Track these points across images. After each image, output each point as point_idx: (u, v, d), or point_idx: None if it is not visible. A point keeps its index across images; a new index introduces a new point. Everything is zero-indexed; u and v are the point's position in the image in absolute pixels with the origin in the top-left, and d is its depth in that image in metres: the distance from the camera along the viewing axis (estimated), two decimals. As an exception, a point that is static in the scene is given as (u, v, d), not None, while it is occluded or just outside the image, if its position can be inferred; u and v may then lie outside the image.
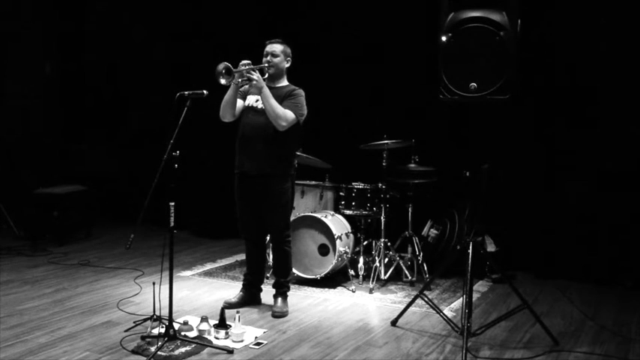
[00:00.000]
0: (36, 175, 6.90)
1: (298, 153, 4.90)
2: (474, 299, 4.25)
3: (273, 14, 6.44)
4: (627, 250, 5.11)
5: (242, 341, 3.68)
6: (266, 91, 4.05)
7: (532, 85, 5.18)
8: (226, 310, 3.83)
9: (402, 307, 4.21)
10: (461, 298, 4.43)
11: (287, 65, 4.30)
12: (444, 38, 3.71)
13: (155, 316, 3.75)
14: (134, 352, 3.50)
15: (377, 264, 5.06)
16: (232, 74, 3.96)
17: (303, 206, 5.36)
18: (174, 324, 3.62)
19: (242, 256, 5.06)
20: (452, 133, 5.55)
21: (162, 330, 3.59)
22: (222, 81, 3.92)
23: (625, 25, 5.05)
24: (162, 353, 3.45)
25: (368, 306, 4.55)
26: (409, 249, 5.28)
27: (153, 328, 3.72)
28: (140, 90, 7.32)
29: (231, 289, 4.80)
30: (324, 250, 4.97)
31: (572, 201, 5.30)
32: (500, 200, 5.39)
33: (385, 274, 5.11)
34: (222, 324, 3.75)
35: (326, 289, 4.91)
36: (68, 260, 5.62)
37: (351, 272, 5.19)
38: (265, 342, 3.72)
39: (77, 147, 7.65)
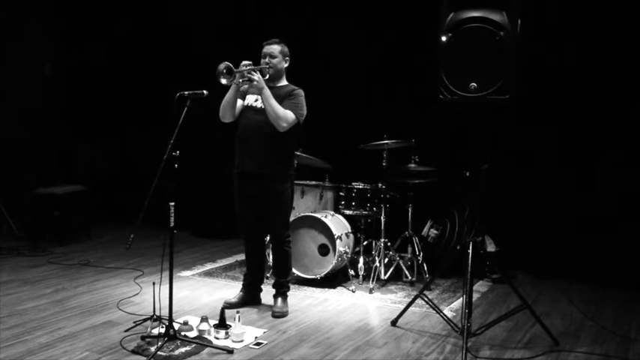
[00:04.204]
0: (36, 175, 6.90)
1: (298, 153, 4.90)
2: (474, 299, 4.25)
3: (273, 13, 6.46)
4: (627, 250, 5.11)
5: (242, 341, 3.68)
6: (267, 92, 4.05)
7: (532, 84, 5.19)
8: (226, 310, 3.83)
9: (402, 307, 4.21)
10: (461, 298, 4.43)
11: (285, 65, 4.30)
12: (443, 38, 3.70)
13: (155, 316, 3.75)
14: (134, 352, 3.50)
15: (377, 264, 5.06)
16: (233, 74, 3.96)
17: (303, 206, 5.36)
18: (174, 324, 3.62)
19: (242, 256, 5.06)
20: (452, 133, 5.55)
21: (163, 330, 3.59)
22: (223, 81, 3.93)
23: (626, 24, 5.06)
24: (162, 353, 3.45)
25: (368, 306, 4.55)
26: (409, 249, 5.28)
27: (153, 328, 3.72)
28: (140, 90, 7.32)
29: (231, 289, 4.80)
30: (324, 250, 4.97)
31: (572, 201, 5.30)
32: (500, 200, 5.40)
33: (385, 274, 5.11)
34: (222, 324, 3.75)
35: (326, 289, 4.91)
36: (68, 260, 5.63)
37: (351, 272, 5.19)
38: (265, 342, 3.72)
39: (77, 147, 7.65)
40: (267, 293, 4.52)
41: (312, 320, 4.18)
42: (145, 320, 3.89)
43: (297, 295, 4.71)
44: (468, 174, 4.09)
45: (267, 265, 4.90)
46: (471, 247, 3.76)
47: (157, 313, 3.75)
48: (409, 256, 5.27)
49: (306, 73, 4.77)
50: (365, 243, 5.25)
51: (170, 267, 3.64)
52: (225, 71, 3.91)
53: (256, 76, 4.03)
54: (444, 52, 3.71)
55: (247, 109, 4.26)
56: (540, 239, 5.41)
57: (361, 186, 5.17)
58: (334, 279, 5.13)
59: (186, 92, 3.67)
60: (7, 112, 6.95)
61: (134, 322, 3.93)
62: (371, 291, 4.85)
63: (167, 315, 3.62)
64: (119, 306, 4.33)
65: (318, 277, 4.97)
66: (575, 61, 5.23)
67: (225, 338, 3.70)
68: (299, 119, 4.17)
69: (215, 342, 3.66)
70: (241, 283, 4.52)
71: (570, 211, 5.31)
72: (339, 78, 6.17)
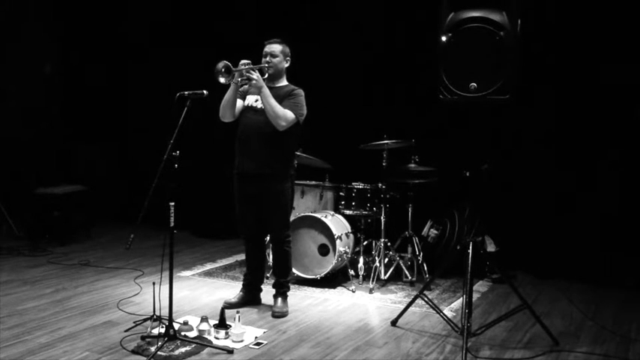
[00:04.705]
0: (36, 175, 6.90)
1: (298, 153, 4.90)
2: (474, 299, 4.25)
3: (273, 12, 6.46)
4: (627, 250, 5.11)
5: (242, 341, 3.68)
6: (265, 90, 4.05)
7: (532, 84, 5.19)
8: (226, 310, 3.83)
9: (402, 307, 4.21)
10: (461, 298, 4.43)
11: (286, 65, 4.30)
12: (443, 38, 3.70)
13: (155, 316, 3.75)
14: (134, 352, 3.50)
15: (377, 264, 5.06)
16: (232, 73, 3.96)
17: (303, 206, 5.36)
18: (174, 324, 3.62)
19: (242, 256, 5.06)
20: (452, 133, 5.55)
21: (163, 330, 3.59)
22: (222, 79, 3.92)
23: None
24: (162, 353, 3.45)
25: (368, 306, 4.55)
26: (409, 249, 5.28)
27: (153, 328, 3.72)
28: (140, 90, 7.32)
29: (231, 289, 4.80)
30: (324, 250, 4.97)
31: (572, 201, 5.30)
32: (500, 200, 5.40)
33: (385, 274, 5.11)
34: (222, 324, 3.75)
35: (326, 289, 4.91)
36: (68, 260, 5.62)
37: (351, 272, 5.19)
38: (265, 342, 3.72)
39: (77, 147, 7.65)
40: (267, 293, 4.52)
41: (312, 320, 4.18)
42: (145, 320, 3.89)
43: (297, 295, 4.71)
44: (467, 174, 4.09)
45: (267, 265, 4.90)
46: (470, 247, 3.76)
47: (157, 313, 3.75)
48: (409, 256, 5.27)
49: (306, 73, 4.77)
50: (365, 243, 5.25)
51: (170, 267, 3.64)
52: (223, 70, 3.91)
53: (255, 75, 4.03)
54: (444, 52, 3.71)
55: (247, 109, 4.26)
56: (540, 239, 5.41)
57: (361, 186, 5.17)
58: (334, 279, 5.13)
59: (186, 92, 3.67)
60: (7, 112, 6.95)
61: (134, 322, 3.93)
62: (371, 291, 4.85)
63: (167, 315, 3.62)
64: (119, 306, 4.33)
65: (318, 277, 4.96)
66: (575, 61, 5.23)
67: (225, 338, 3.70)
68: (299, 119, 4.16)
69: (215, 342, 3.66)
70: (241, 283, 4.52)
71: (570, 211, 5.31)
72: (339, 78, 6.17)
